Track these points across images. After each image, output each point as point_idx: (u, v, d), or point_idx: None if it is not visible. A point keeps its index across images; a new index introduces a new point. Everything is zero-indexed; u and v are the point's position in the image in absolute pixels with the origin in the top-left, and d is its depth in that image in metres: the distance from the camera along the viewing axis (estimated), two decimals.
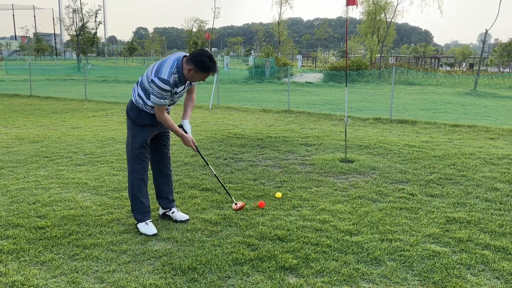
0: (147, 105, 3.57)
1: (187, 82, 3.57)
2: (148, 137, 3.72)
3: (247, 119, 10.52)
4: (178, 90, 3.53)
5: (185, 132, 3.76)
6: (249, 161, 6.28)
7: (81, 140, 7.60)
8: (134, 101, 3.64)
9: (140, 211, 3.76)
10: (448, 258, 3.31)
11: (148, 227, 3.70)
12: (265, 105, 13.65)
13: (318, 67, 51.19)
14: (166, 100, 3.45)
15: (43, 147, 7.02)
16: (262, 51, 43.36)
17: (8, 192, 4.70)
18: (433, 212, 4.28)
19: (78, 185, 5.02)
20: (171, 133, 3.94)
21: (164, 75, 3.33)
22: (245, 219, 4.04)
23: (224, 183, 5.13)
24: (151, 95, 3.44)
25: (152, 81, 3.36)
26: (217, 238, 3.61)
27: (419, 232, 3.79)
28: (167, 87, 3.35)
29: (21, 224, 3.82)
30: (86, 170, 5.64)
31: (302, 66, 56.58)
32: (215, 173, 4.25)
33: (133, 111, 3.65)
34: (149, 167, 3.91)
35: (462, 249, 3.47)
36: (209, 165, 4.25)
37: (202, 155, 4.10)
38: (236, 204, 4.21)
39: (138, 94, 3.58)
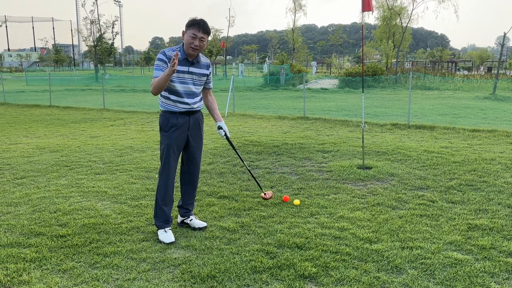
0: (167, 98, 3.66)
1: (191, 66, 3.62)
2: (174, 142, 3.71)
3: (262, 126, 10.53)
4: (178, 68, 3.55)
5: (225, 133, 4.00)
6: (266, 168, 6.27)
7: (100, 149, 7.71)
8: (160, 105, 3.75)
9: (161, 219, 3.80)
10: (471, 266, 3.24)
11: (166, 235, 3.73)
12: (281, 112, 13.65)
13: (333, 73, 51.04)
14: (159, 72, 3.51)
15: (63, 156, 7.15)
16: (277, 58, 43.48)
17: (30, 201, 4.79)
18: (454, 219, 4.21)
19: (97, 193, 5.08)
20: (203, 145, 4.09)
21: (165, 49, 3.64)
22: (263, 226, 4.03)
23: (241, 190, 5.14)
24: None
25: None
26: (235, 246, 3.61)
27: (440, 239, 3.72)
28: (161, 56, 3.54)
29: (43, 233, 3.88)
30: (106, 179, 5.71)
31: (317, 72, 56.52)
32: (245, 164, 4.48)
33: (160, 118, 3.76)
34: (176, 176, 3.96)
35: (485, 257, 3.39)
36: (239, 153, 4.37)
37: (234, 145, 4.21)
38: (265, 194, 4.50)
39: (161, 94, 3.69)
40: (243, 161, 4.44)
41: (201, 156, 4.05)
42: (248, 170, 4.50)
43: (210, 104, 4.00)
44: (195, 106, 3.76)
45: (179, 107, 3.67)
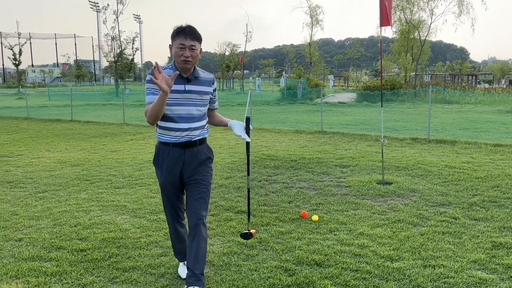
0: (159, 126, 3.00)
1: (187, 84, 2.94)
2: (166, 182, 3.06)
3: (280, 140, 10.53)
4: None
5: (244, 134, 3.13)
6: (283, 183, 6.25)
7: (120, 163, 7.81)
8: (156, 135, 3.11)
9: (177, 251, 3.43)
10: (496, 285, 3.14)
11: (184, 268, 3.33)
12: (298, 126, 13.63)
13: (351, 86, 50.88)
14: (152, 96, 2.87)
15: (83, 170, 7.26)
16: (294, 72, 43.61)
17: (51, 215, 4.86)
18: (478, 236, 4.10)
19: (117, 207, 5.13)
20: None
21: None
22: (281, 242, 4.00)
23: (259, 205, 5.12)
24: None
25: None
26: (253, 262, 3.59)
27: (464, 257, 3.63)
28: (150, 77, 2.79)
29: (63, 247, 3.93)
30: (125, 193, 5.77)
31: (334, 86, 56.44)
32: (249, 186, 3.48)
33: (155, 149, 3.14)
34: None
35: (511, 276, 3.29)
36: (249, 175, 3.45)
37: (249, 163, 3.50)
38: (249, 231, 3.41)
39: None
40: (248, 175, 3.43)
41: (207, 208, 3.08)
42: (248, 190, 3.50)
43: (215, 115, 3.28)
44: (194, 134, 2.99)
45: (173, 136, 2.96)
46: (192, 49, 2.88)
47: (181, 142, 2.96)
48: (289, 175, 6.71)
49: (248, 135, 3.12)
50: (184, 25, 2.89)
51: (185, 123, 2.94)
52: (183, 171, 3.01)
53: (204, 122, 3.07)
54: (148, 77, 2.80)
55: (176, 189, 3.11)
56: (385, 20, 6.01)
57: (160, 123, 2.96)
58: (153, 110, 2.76)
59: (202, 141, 3.07)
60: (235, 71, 56.91)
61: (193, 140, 2.99)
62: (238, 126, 3.10)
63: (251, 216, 3.84)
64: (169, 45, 2.95)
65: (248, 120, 3.07)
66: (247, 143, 3.24)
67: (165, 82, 2.67)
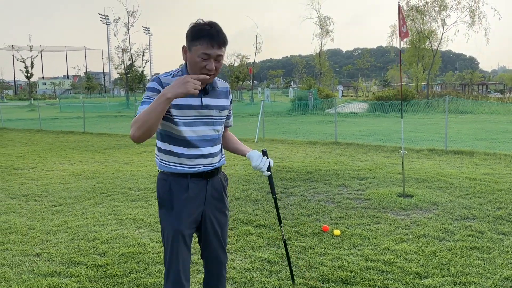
0: (169, 152, 2.27)
1: (204, 97, 2.26)
2: (185, 225, 2.29)
3: (294, 152, 10.43)
4: (184, 102, 2.21)
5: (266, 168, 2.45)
6: (301, 195, 6.14)
7: (135, 176, 7.76)
8: (157, 164, 2.36)
9: None
10: None
11: None
12: (311, 137, 13.53)
13: (360, 96, 50.76)
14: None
15: (98, 183, 7.22)
16: (303, 83, 43.65)
17: (68, 229, 4.80)
18: (507, 252, 3.96)
19: (134, 221, 5.07)
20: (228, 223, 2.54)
21: (159, 75, 2.28)
22: (304, 258, 3.89)
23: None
24: None
25: None
26: (277, 279, 3.48)
27: (495, 274, 3.49)
28: (154, 85, 2.18)
29: (82, 262, 3.86)
30: (141, 206, 5.71)
31: (343, 96, 56.35)
32: (284, 238, 3.00)
33: (158, 184, 2.36)
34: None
35: None
36: (281, 225, 2.96)
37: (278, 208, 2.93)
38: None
39: (157, 146, 2.35)
40: (280, 223, 2.94)
41: (227, 241, 2.52)
42: (284, 242, 3.00)
43: (233, 140, 2.60)
44: (215, 160, 2.36)
45: (190, 165, 2.27)
46: (218, 60, 2.18)
47: (201, 171, 2.30)
48: (306, 188, 6.61)
49: (269, 170, 2.46)
50: (207, 22, 2.15)
51: (204, 148, 2.28)
52: (205, 210, 2.35)
53: (221, 145, 2.44)
54: (151, 84, 2.20)
55: (191, 235, 2.36)
56: (401, 32, 5.95)
57: (169, 147, 2.26)
58: (147, 119, 2.00)
59: (220, 168, 2.45)
60: (244, 82, 57.07)
61: (213, 167, 2.35)
62: (256, 157, 2.42)
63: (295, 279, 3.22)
64: (183, 46, 2.21)
65: (265, 154, 2.47)
66: (270, 180, 2.60)
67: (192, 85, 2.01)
